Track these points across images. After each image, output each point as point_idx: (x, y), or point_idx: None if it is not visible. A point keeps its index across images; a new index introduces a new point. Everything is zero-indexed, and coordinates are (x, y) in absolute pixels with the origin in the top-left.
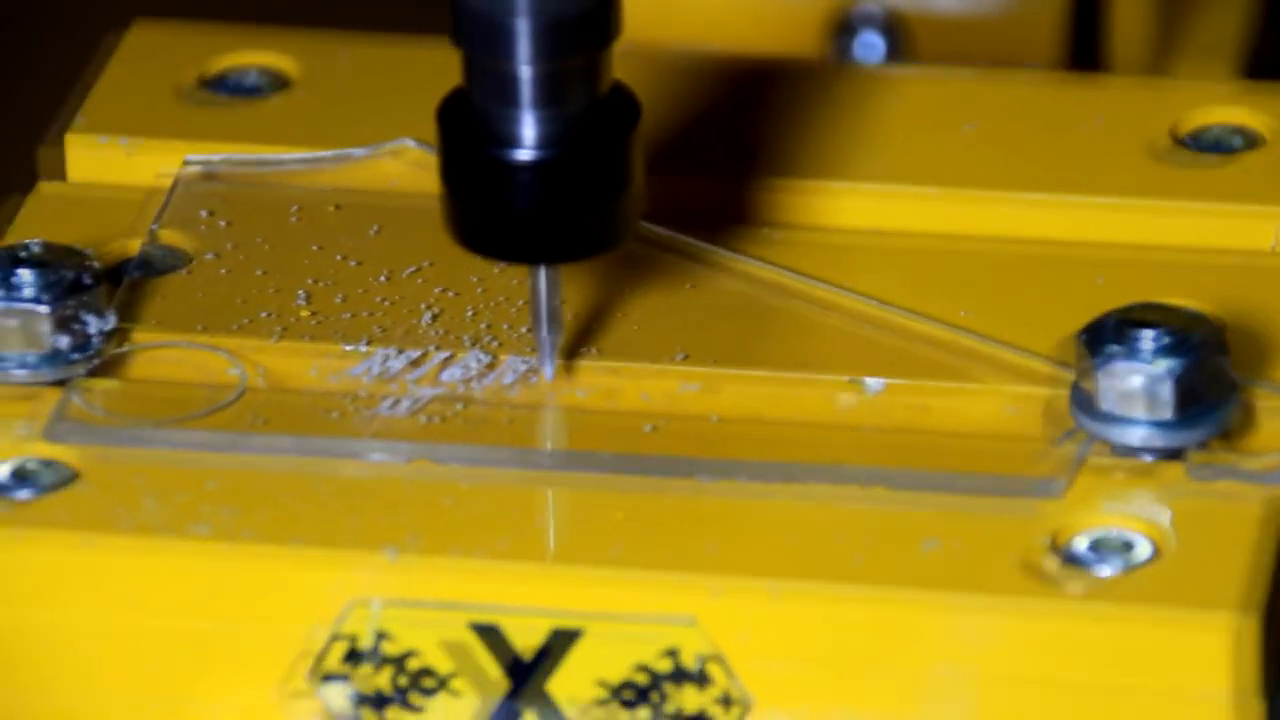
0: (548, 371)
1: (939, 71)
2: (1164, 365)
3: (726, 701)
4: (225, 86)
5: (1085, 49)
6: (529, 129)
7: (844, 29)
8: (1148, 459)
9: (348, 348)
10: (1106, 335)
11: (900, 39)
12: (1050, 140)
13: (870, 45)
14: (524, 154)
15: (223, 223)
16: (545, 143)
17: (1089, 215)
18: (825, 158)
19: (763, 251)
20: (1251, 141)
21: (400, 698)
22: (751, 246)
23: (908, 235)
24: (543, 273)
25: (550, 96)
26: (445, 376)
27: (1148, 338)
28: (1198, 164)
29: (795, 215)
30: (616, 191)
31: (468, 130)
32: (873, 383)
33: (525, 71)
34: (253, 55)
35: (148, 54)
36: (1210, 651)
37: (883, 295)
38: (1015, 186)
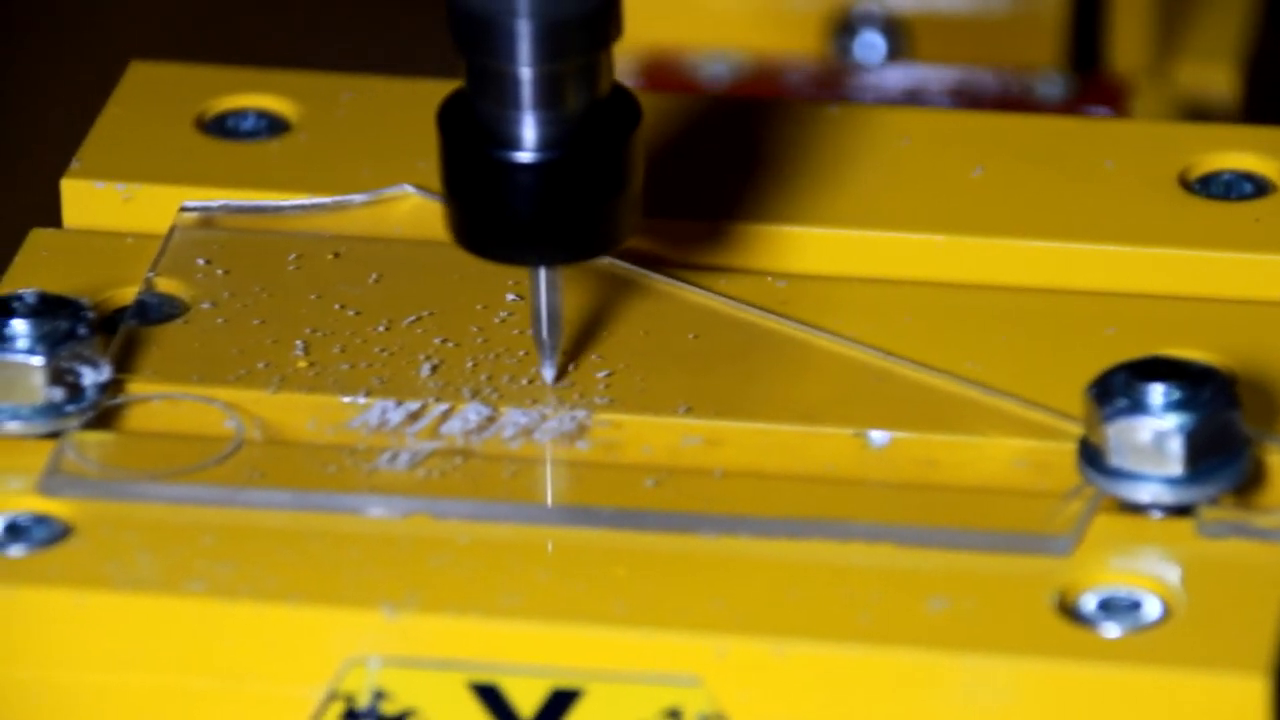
0: (548, 374)
1: (947, 113)
2: (1174, 420)
3: None
4: (223, 130)
5: (1085, 49)
6: (529, 130)
7: (844, 28)
8: (1157, 516)
9: (346, 400)
10: (1116, 389)
11: (900, 39)
12: (1059, 186)
13: (870, 45)
14: (524, 155)
15: (220, 271)
16: (546, 144)
17: (1099, 263)
18: (830, 203)
19: (766, 300)
20: (1262, 188)
21: None
22: (754, 295)
23: (915, 284)
24: (543, 274)
25: (550, 98)
26: (445, 429)
27: (1157, 392)
28: (1208, 210)
29: (798, 263)
30: (617, 193)
31: (468, 132)
32: (878, 436)
33: (525, 73)
34: (251, 98)
35: (144, 96)
36: (1221, 713)
37: (889, 346)
38: (1023, 233)
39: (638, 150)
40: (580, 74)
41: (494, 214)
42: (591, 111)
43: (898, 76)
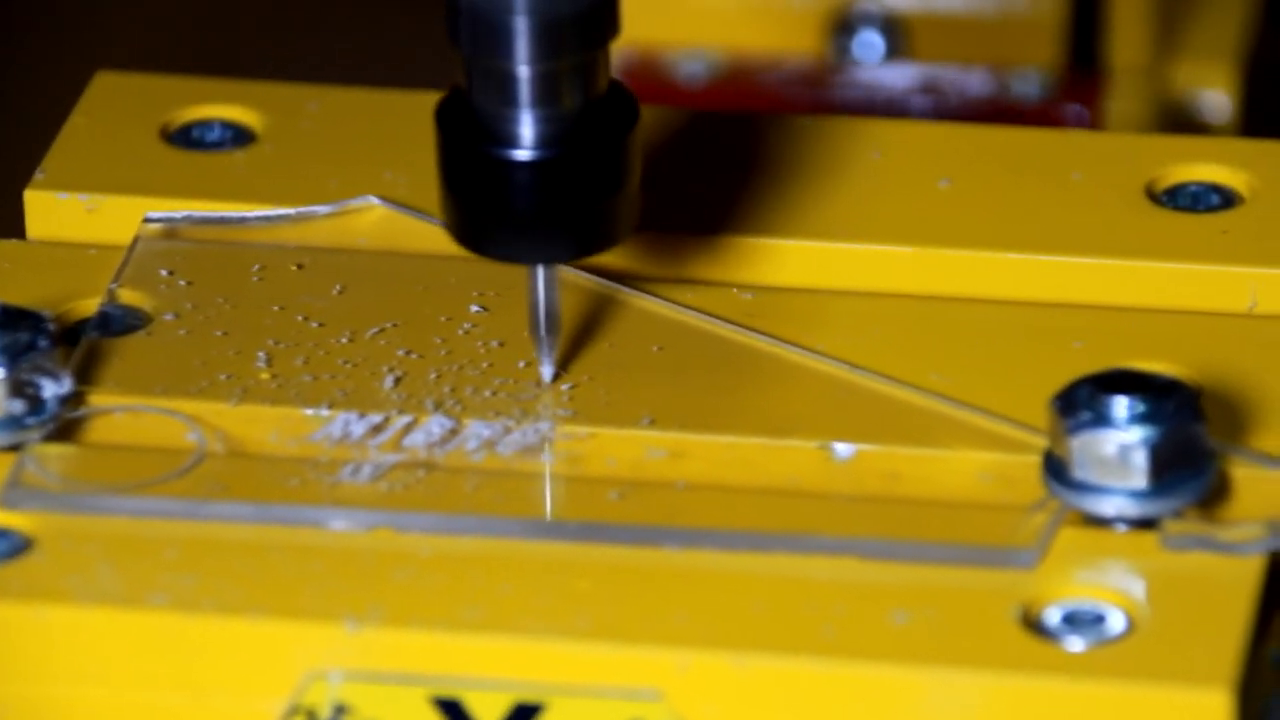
0: (546, 373)
1: (916, 125)
2: (1138, 433)
3: None
4: (188, 140)
5: (1085, 49)
6: (526, 128)
7: (843, 27)
8: (1122, 529)
9: (308, 412)
10: (1080, 402)
11: (899, 38)
12: (1025, 198)
13: (869, 44)
14: (522, 153)
15: (183, 282)
16: (544, 142)
17: (1065, 274)
18: (796, 215)
19: (731, 313)
20: (1229, 200)
21: None
22: (720, 307)
23: (880, 296)
24: (540, 273)
25: (548, 96)
26: (408, 442)
27: (1122, 405)
28: (1174, 222)
29: (764, 275)
30: (615, 191)
31: (465, 130)
32: (843, 449)
33: (523, 71)
34: (216, 108)
35: (109, 107)
36: None
37: (854, 358)
38: (990, 246)
39: (636, 148)
40: (578, 72)
41: (492, 212)
42: (589, 109)
43: (882, 75)
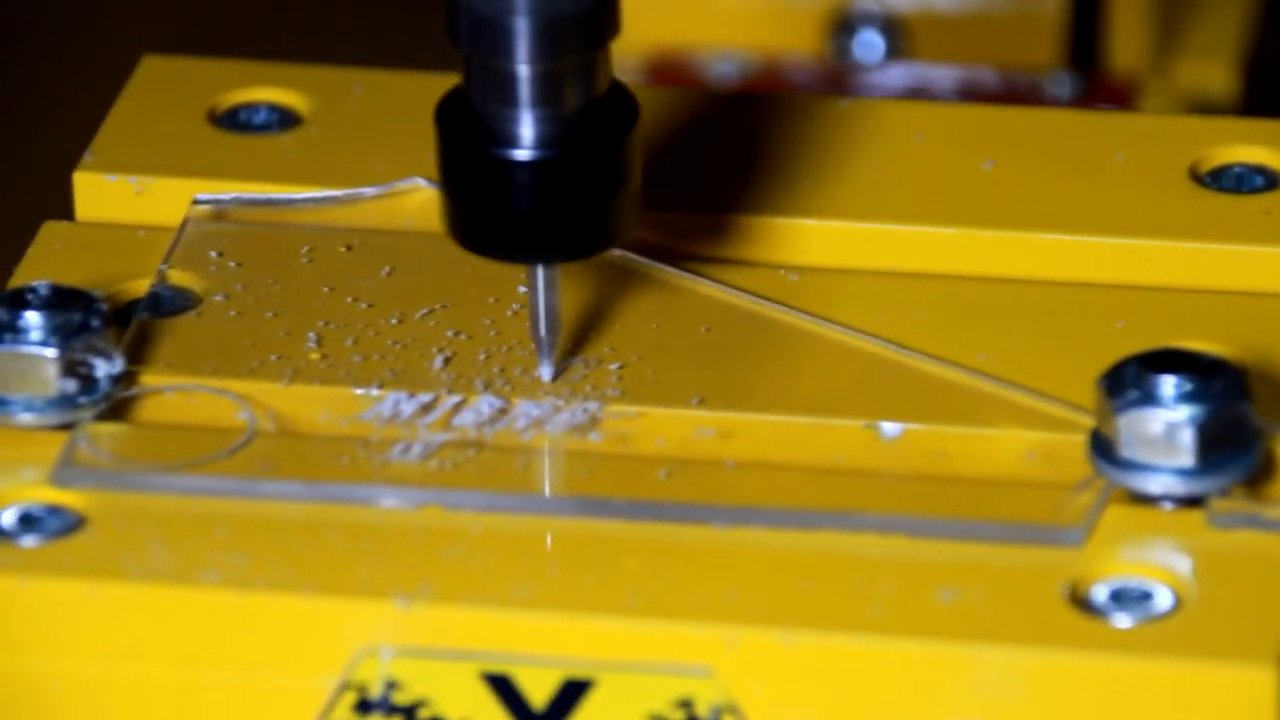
0: (545, 373)
1: (958, 107)
2: (1185, 412)
3: None
4: (235, 123)
5: (1085, 49)
6: (527, 128)
7: (843, 27)
8: (1168, 507)
9: (359, 392)
10: (1127, 381)
11: (899, 38)
12: (1069, 179)
13: (869, 44)
14: (522, 153)
15: (232, 263)
16: (543, 142)
17: (1109, 256)
18: (844, 197)
19: (778, 293)
20: (1273, 181)
21: None
22: (766, 288)
23: (926, 277)
24: (540, 272)
25: (548, 96)
26: (457, 421)
27: (1169, 384)
28: (1218, 203)
29: (811, 256)
30: (615, 191)
31: (466, 129)
32: (890, 428)
33: (523, 71)
34: (263, 92)
35: (157, 90)
36: (1232, 704)
37: (900, 338)
38: (1034, 226)
39: (636, 148)
40: (578, 72)
41: (492, 212)
42: (590, 109)
43: (904, 75)
